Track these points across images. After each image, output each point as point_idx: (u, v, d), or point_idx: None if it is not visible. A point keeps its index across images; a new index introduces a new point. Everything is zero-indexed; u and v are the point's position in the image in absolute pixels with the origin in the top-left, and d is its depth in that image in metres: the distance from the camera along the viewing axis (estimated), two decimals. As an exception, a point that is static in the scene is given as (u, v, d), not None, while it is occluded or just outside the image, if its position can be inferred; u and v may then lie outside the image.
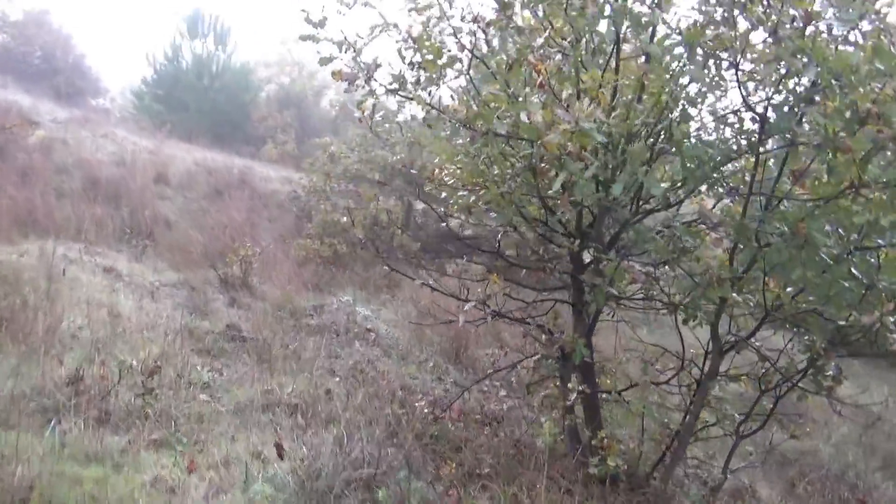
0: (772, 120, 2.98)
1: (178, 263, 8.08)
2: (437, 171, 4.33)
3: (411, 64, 3.46)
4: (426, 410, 4.37)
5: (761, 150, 3.09)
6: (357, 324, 6.83)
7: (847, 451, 6.08)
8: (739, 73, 2.99)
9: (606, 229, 4.19)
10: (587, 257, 4.06)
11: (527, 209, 4.36)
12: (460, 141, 4.14)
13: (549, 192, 3.48)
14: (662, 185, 3.33)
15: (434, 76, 3.42)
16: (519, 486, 3.62)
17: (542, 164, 3.26)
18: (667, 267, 3.87)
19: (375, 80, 3.47)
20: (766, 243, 3.18)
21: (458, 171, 4.43)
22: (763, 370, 3.82)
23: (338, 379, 4.96)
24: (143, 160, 11.61)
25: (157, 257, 8.14)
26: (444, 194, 5.23)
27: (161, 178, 10.92)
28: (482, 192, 4.25)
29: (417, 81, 3.50)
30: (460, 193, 4.64)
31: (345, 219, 10.00)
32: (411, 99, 3.51)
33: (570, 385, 3.80)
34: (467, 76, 3.56)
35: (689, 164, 2.88)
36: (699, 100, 3.05)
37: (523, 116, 2.74)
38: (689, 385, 4.16)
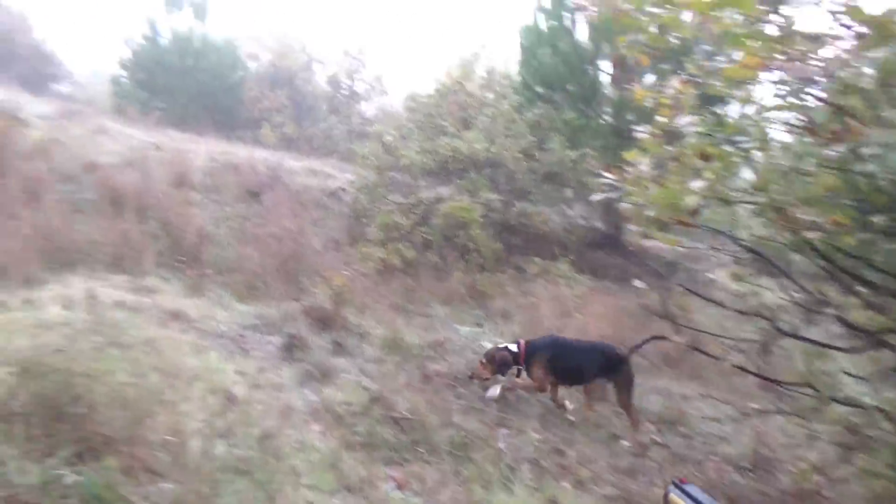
0: None
1: (242, 293, 6.60)
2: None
3: None
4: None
5: None
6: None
7: None
8: None
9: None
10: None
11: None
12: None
13: None
14: None
15: None
16: None
17: None
18: None
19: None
20: None
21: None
22: None
23: (566, 484, 3.65)
24: (153, 158, 9.92)
25: (215, 285, 6.64)
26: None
27: (183, 180, 9.28)
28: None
29: None
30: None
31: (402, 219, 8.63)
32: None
33: None
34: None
35: None
36: None
37: None
38: None
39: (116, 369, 3.78)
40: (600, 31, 9.11)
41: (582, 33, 9.86)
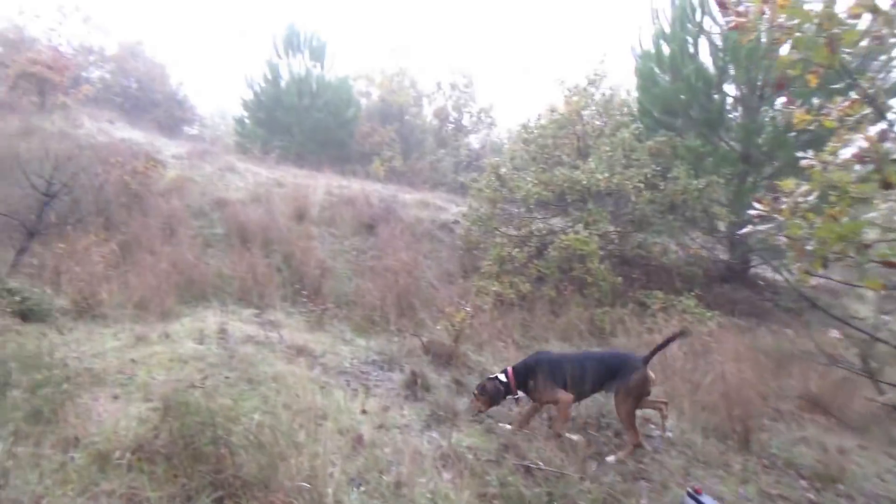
0: None
1: (360, 326, 6.63)
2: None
3: None
4: None
5: None
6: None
7: None
8: None
9: None
10: None
11: None
12: None
13: None
14: None
15: None
16: None
17: None
18: None
19: None
20: None
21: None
22: None
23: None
24: (276, 194, 10.34)
25: (335, 318, 6.70)
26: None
27: (302, 214, 9.59)
28: None
29: None
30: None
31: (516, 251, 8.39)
32: None
33: None
34: None
35: None
36: None
37: None
38: None
39: (251, 409, 3.80)
40: (729, 53, 8.61)
41: (704, 58, 9.38)
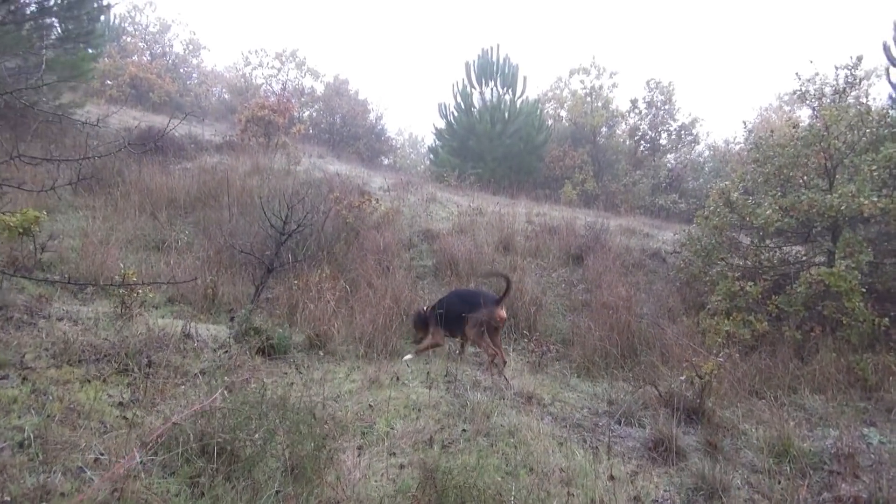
0: None
1: (581, 366, 6.16)
2: None
3: None
4: None
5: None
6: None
7: None
8: None
9: None
10: None
11: None
12: None
13: None
14: None
15: None
16: None
17: None
18: None
19: None
20: None
21: None
22: None
23: None
24: (478, 224, 10.24)
25: (554, 359, 6.29)
26: None
27: (506, 245, 9.35)
28: None
29: None
30: None
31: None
32: None
33: None
34: None
35: None
36: None
37: None
38: None
39: (493, 468, 3.48)
40: None
41: None
